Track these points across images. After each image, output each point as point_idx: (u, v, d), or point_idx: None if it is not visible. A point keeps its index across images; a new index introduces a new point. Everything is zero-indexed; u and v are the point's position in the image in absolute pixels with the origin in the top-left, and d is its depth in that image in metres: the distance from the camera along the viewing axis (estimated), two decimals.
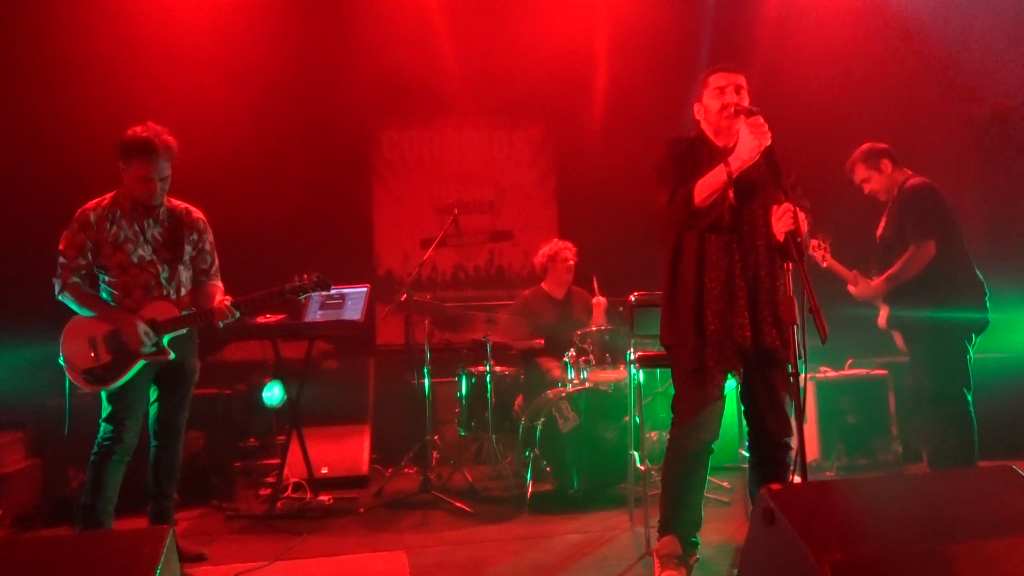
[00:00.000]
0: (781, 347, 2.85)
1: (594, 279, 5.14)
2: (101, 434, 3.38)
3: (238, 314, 3.53)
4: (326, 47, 6.17)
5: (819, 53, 6.34)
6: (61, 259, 3.40)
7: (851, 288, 4.07)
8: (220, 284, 3.71)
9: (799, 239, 2.67)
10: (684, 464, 2.98)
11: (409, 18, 6.20)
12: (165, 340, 3.44)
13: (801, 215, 2.71)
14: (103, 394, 3.39)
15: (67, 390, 3.40)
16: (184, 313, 3.49)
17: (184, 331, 3.53)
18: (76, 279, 3.40)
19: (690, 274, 2.92)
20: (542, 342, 5.10)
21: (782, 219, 2.70)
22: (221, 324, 3.50)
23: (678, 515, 2.99)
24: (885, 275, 3.92)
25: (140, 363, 3.39)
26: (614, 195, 6.30)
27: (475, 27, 6.32)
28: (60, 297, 3.41)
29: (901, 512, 1.95)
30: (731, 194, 2.87)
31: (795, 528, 1.85)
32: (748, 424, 3.03)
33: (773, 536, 1.92)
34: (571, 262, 5.25)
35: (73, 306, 3.41)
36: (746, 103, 2.93)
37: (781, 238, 2.74)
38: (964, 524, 1.91)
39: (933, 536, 1.86)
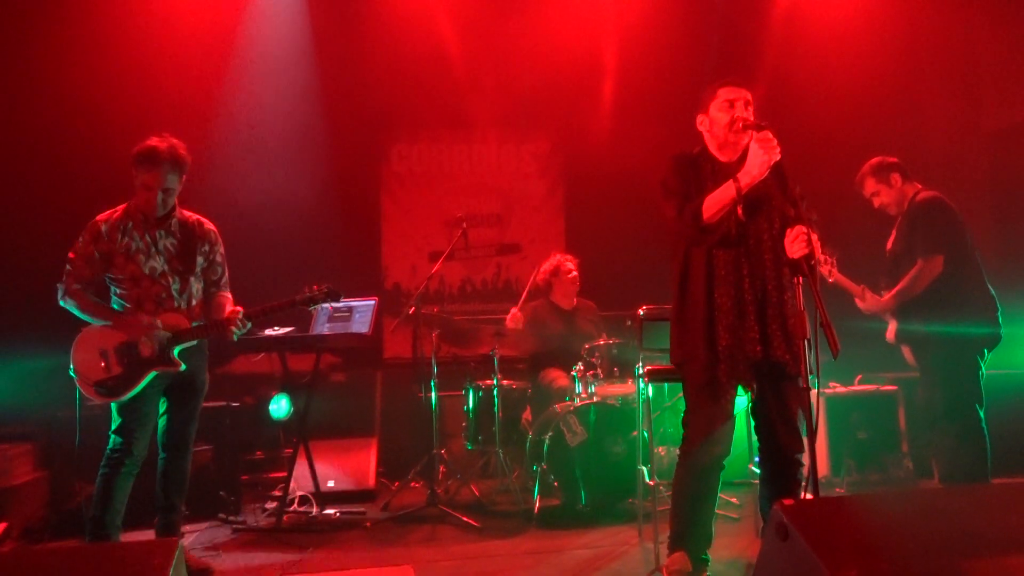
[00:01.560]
0: (791, 361, 2.84)
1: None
2: (110, 446, 3.37)
3: (249, 325, 3.53)
4: (335, 61, 6.21)
5: (827, 64, 6.35)
6: (68, 266, 3.42)
7: (859, 303, 4.05)
8: (230, 295, 3.71)
9: (812, 261, 2.66)
10: (695, 480, 2.96)
11: (418, 32, 6.24)
12: (176, 351, 3.44)
13: (814, 236, 2.70)
14: (113, 406, 3.39)
15: (78, 402, 3.40)
16: (195, 325, 3.50)
17: (195, 343, 3.53)
18: (80, 286, 3.41)
19: (700, 289, 2.92)
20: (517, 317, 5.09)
21: (796, 242, 2.68)
22: (235, 336, 3.50)
23: (689, 531, 2.97)
24: (894, 290, 3.90)
25: (151, 374, 3.39)
26: (622, 208, 6.31)
27: (483, 41, 6.36)
28: (62, 303, 3.41)
29: (917, 528, 1.92)
30: (739, 210, 2.88)
31: (809, 544, 1.82)
32: (759, 439, 3.01)
33: (787, 552, 1.90)
34: (575, 273, 5.26)
35: (75, 311, 3.41)
36: (752, 118, 2.93)
37: (792, 256, 2.73)
38: (981, 541, 1.89)
39: (949, 552, 1.84)
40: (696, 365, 2.93)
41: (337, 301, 3.77)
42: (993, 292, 3.83)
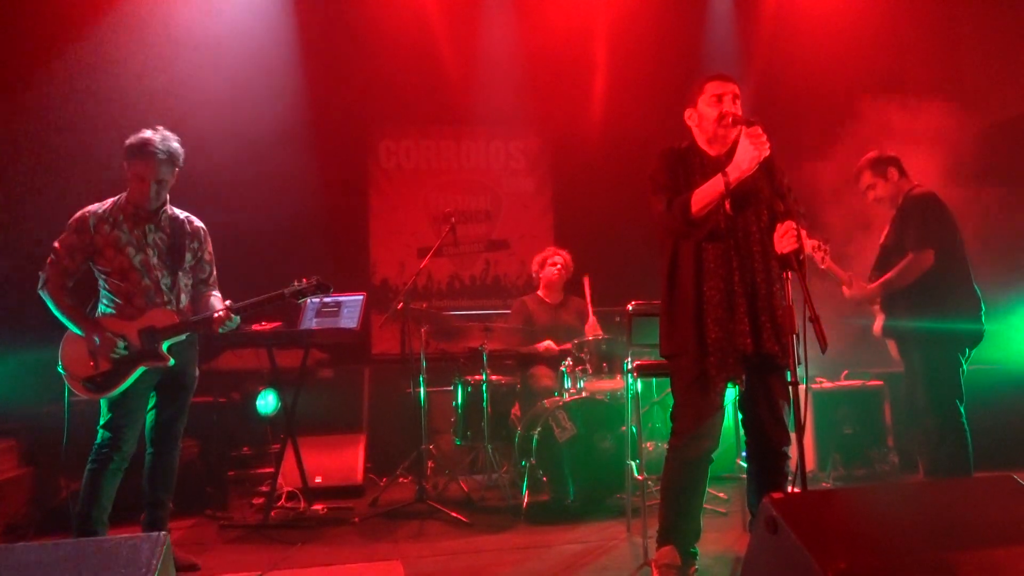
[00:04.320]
0: (780, 352, 2.85)
1: (585, 281, 5.14)
2: (99, 441, 3.35)
3: (237, 319, 3.52)
4: (323, 56, 6.18)
5: (815, 58, 6.38)
6: (51, 256, 3.39)
7: (845, 290, 4.07)
8: (219, 294, 3.70)
9: (801, 256, 2.68)
10: (685, 473, 2.97)
11: (406, 27, 6.21)
12: (165, 346, 3.42)
13: (802, 231, 2.72)
14: (102, 401, 3.37)
15: (66, 399, 3.37)
16: (182, 320, 3.48)
17: (184, 337, 3.51)
18: (61, 280, 3.37)
19: (689, 283, 2.92)
20: (551, 346, 5.06)
21: (785, 238, 2.69)
22: (221, 330, 3.48)
23: (678, 525, 2.98)
24: (881, 279, 3.92)
25: (140, 370, 3.37)
26: (611, 205, 6.32)
27: (472, 36, 6.35)
28: (41, 292, 3.39)
29: (905, 521, 1.94)
30: (727, 204, 2.89)
31: (799, 537, 1.84)
32: (746, 433, 3.03)
33: (776, 545, 1.91)
34: (557, 268, 5.26)
35: (49, 304, 3.38)
36: (740, 112, 2.94)
37: (781, 252, 2.74)
38: (967, 533, 1.91)
39: (937, 545, 1.86)
40: (686, 359, 2.94)
41: (326, 294, 3.76)
42: (978, 291, 3.86)
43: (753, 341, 2.85)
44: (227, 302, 3.54)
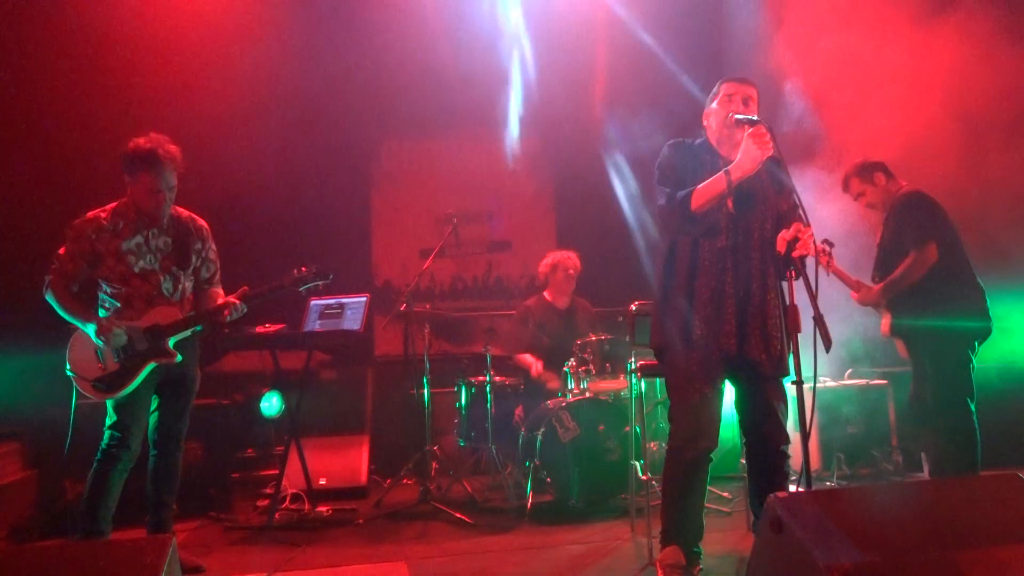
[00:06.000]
0: (767, 361, 2.85)
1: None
2: (106, 441, 3.35)
3: (245, 309, 3.53)
4: (326, 59, 6.18)
5: (822, 59, 6.37)
6: (55, 263, 3.41)
7: (854, 295, 4.07)
8: (221, 291, 3.70)
9: (805, 257, 2.68)
10: (684, 473, 2.96)
11: (408, 29, 6.21)
12: (172, 342, 3.43)
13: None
14: (109, 402, 3.38)
15: (73, 402, 3.38)
16: (188, 315, 3.49)
17: (189, 334, 3.52)
18: (64, 282, 3.39)
19: (682, 278, 2.93)
20: (539, 366, 5.05)
21: (802, 242, 2.67)
22: (228, 318, 3.49)
23: (680, 525, 2.97)
24: (886, 280, 3.92)
25: (149, 367, 3.38)
26: (612, 204, 6.31)
27: (473, 37, 6.34)
28: (46, 295, 3.40)
29: (909, 520, 1.94)
30: (730, 203, 2.89)
31: (803, 536, 1.84)
32: (744, 434, 3.04)
33: (781, 544, 1.91)
34: (572, 271, 5.25)
35: (54, 305, 3.39)
36: (754, 115, 2.93)
37: (782, 250, 2.74)
38: (973, 531, 1.90)
39: (942, 544, 1.85)
40: (673, 354, 2.95)
41: (326, 280, 3.77)
42: (981, 284, 3.86)
43: (737, 344, 2.85)
44: (239, 291, 3.56)
